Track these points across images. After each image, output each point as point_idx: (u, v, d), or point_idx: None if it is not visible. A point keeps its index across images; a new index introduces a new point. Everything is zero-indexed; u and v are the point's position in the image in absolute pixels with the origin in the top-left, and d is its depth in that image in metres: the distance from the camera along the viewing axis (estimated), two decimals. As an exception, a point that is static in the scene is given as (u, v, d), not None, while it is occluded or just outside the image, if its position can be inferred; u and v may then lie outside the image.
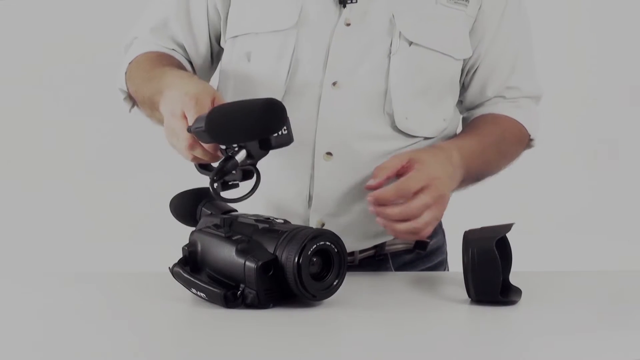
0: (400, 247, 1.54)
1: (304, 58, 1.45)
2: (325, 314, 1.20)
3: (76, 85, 3.25)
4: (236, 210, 1.33)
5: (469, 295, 1.27)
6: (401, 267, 1.55)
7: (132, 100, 1.55)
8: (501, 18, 1.54)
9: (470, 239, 1.26)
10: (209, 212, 1.33)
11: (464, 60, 1.54)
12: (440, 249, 1.64)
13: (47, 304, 1.27)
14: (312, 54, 1.45)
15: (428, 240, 1.54)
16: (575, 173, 3.51)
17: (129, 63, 1.53)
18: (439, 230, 1.63)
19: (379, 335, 1.14)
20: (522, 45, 1.58)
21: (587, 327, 1.20)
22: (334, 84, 1.44)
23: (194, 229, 1.30)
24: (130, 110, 1.57)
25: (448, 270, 1.65)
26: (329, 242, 1.21)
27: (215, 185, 1.23)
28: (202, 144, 1.26)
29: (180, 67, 1.52)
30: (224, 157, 1.23)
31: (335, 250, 1.22)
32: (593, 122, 3.52)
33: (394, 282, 1.37)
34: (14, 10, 3.25)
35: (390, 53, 1.46)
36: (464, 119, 1.63)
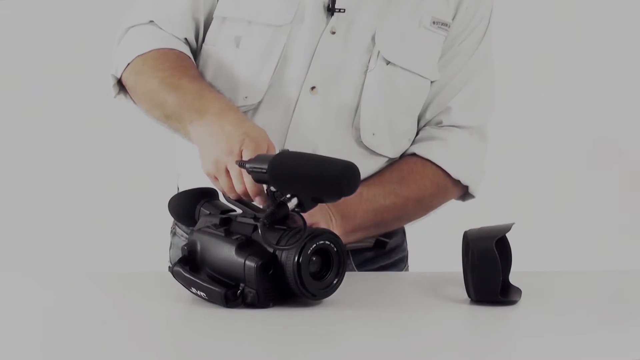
0: (360, 244, 1.55)
1: (291, 57, 1.46)
2: (325, 314, 1.20)
3: (76, 86, 3.24)
4: (234, 210, 1.33)
5: (469, 295, 1.26)
6: (362, 263, 1.56)
7: (119, 87, 1.51)
8: (464, 42, 1.54)
9: (470, 239, 1.25)
10: (208, 211, 1.33)
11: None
12: (400, 246, 1.64)
13: (47, 303, 1.26)
14: (298, 55, 1.46)
15: (387, 240, 1.56)
16: (575, 173, 3.51)
17: (138, 55, 1.46)
18: (398, 230, 1.63)
19: (378, 335, 1.14)
20: (476, 72, 1.56)
21: (587, 327, 1.20)
22: (312, 88, 1.46)
23: (192, 228, 1.30)
24: (115, 96, 1.52)
25: (408, 267, 1.66)
26: (328, 241, 1.21)
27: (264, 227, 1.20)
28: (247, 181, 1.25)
29: (204, 79, 1.49)
30: (276, 203, 1.21)
31: (335, 249, 1.22)
32: (593, 121, 3.52)
33: (394, 282, 1.37)
34: (14, 11, 3.25)
35: (367, 70, 1.47)
36: None
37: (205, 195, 1.35)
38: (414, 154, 1.54)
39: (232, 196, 1.29)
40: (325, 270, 1.22)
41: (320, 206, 1.30)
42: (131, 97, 1.51)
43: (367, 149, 1.50)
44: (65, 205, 3.31)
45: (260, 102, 1.46)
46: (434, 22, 1.50)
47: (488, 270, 1.23)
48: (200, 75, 1.48)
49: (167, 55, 1.46)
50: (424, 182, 1.53)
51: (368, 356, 1.06)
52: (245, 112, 1.46)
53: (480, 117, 1.58)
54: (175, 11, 1.50)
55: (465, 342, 1.16)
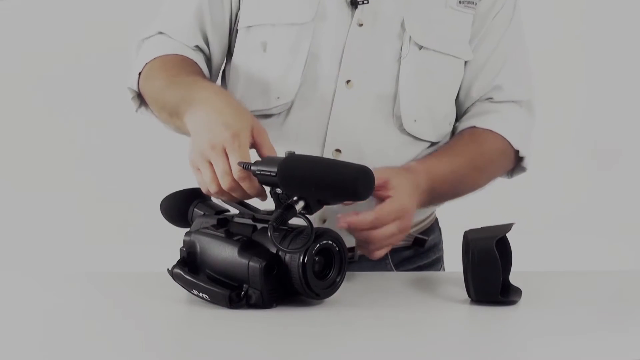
0: (399, 243, 1.55)
1: (320, 53, 1.47)
2: (326, 314, 1.20)
3: (74, 86, 3.25)
4: (229, 211, 1.33)
5: (469, 295, 1.26)
6: (400, 262, 1.56)
7: (140, 100, 1.54)
8: (495, 18, 1.55)
9: (470, 239, 1.25)
10: (202, 212, 1.32)
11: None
12: (437, 246, 1.65)
13: (47, 303, 1.26)
14: (328, 50, 1.47)
15: (426, 238, 1.55)
16: (575, 173, 3.51)
17: (146, 63, 1.50)
18: (435, 228, 1.64)
19: (379, 335, 1.14)
20: (514, 48, 1.58)
21: (587, 327, 1.20)
22: (348, 82, 1.46)
23: (186, 230, 1.29)
24: (137, 110, 1.55)
25: (444, 267, 1.66)
26: (330, 240, 1.21)
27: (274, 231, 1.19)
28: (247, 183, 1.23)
29: (205, 76, 1.50)
30: (284, 205, 1.20)
31: (337, 248, 1.22)
32: (593, 121, 3.52)
33: (394, 282, 1.37)
34: (13, 11, 3.25)
35: (400, 57, 1.47)
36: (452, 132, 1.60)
37: (198, 196, 1.34)
38: (473, 127, 1.55)
39: (212, 190, 1.26)
40: (328, 270, 1.22)
41: (402, 184, 1.30)
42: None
43: (410, 135, 1.50)
44: (66, 205, 3.31)
45: (293, 101, 1.47)
46: (460, 2, 1.51)
47: (488, 270, 1.23)
48: (200, 73, 1.49)
49: (171, 60, 1.48)
50: (489, 144, 1.53)
51: (368, 356, 1.06)
52: (279, 113, 1.48)
53: (529, 90, 1.60)
54: (181, 23, 1.53)
55: (466, 342, 1.16)
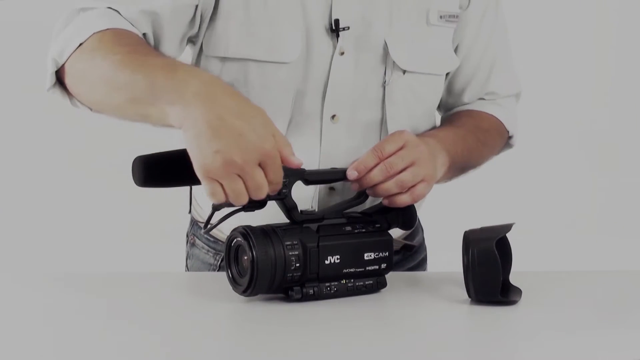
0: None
1: (305, 90, 1.40)
2: (324, 313, 1.20)
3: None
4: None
5: (469, 295, 1.27)
6: None
7: (59, 74, 1.33)
8: (480, 23, 1.54)
9: (471, 239, 1.26)
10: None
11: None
12: (422, 246, 1.65)
13: (47, 304, 1.26)
14: (312, 86, 1.40)
15: (414, 244, 1.56)
16: (576, 173, 3.51)
17: (94, 32, 1.26)
18: (419, 229, 1.64)
19: (379, 335, 1.14)
20: (500, 48, 1.59)
21: (587, 327, 1.20)
22: (333, 117, 1.42)
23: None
24: (49, 89, 1.35)
25: (426, 268, 1.67)
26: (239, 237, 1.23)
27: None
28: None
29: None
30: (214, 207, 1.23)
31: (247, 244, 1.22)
32: (594, 122, 3.53)
33: (393, 282, 1.37)
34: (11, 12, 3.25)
35: (384, 83, 1.44)
36: (441, 118, 1.65)
37: None
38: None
39: (241, 201, 1.13)
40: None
41: (420, 149, 1.32)
42: (70, 91, 1.33)
43: None
44: (64, 205, 3.31)
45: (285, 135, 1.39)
46: (441, 17, 1.47)
47: (488, 270, 1.23)
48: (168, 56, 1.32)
49: (129, 35, 1.28)
50: (487, 121, 1.58)
51: (368, 356, 1.06)
52: None
53: (517, 85, 1.65)
54: (132, 8, 1.33)
55: (465, 342, 1.16)
